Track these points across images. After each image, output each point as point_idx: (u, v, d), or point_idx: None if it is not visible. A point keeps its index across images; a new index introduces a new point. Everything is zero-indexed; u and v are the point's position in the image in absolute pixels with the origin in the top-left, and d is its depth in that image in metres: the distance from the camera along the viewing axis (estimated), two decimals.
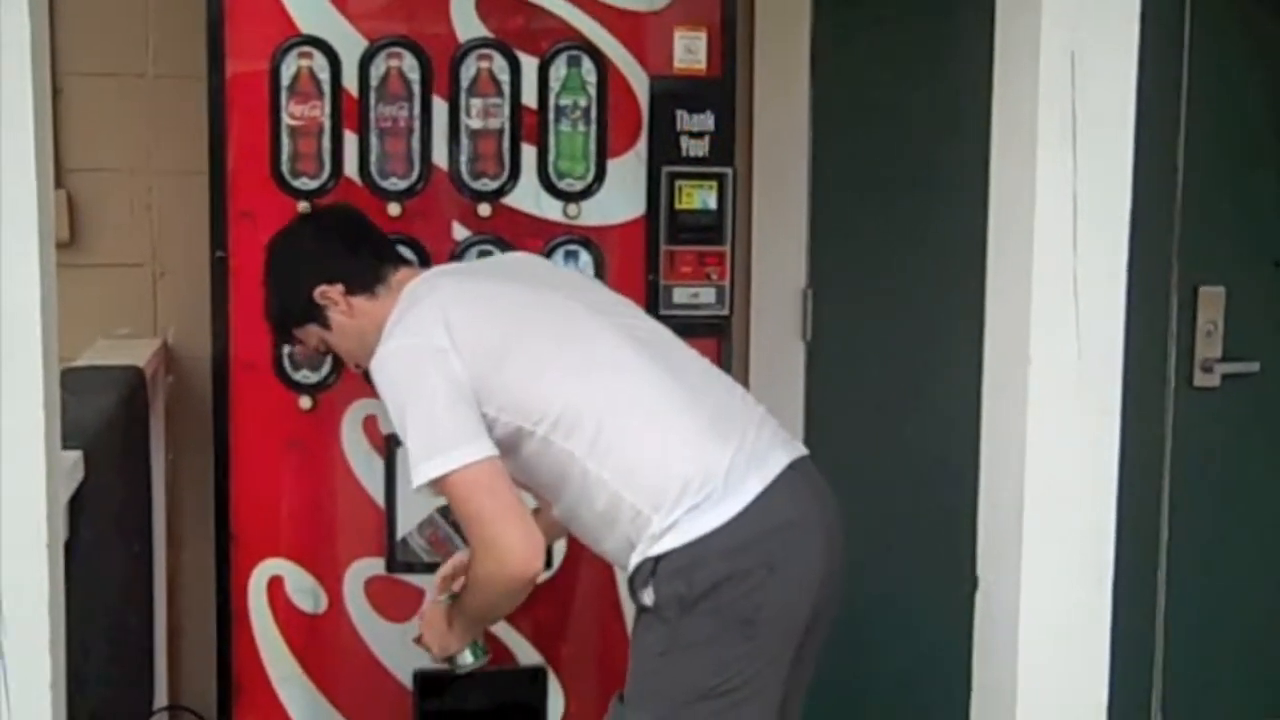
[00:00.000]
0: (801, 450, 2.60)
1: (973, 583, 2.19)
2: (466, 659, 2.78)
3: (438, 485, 2.46)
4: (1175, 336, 3.90)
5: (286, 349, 3.04)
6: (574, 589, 3.20)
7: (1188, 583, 3.95)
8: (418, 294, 2.63)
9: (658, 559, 2.45)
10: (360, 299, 2.71)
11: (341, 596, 3.12)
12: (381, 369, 2.55)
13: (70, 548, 2.02)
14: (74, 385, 2.30)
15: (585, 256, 3.12)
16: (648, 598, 2.47)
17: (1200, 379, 3.92)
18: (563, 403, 2.49)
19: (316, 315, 2.74)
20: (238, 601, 3.09)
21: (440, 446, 2.45)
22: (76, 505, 2.24)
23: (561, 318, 2.61)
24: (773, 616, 2.46)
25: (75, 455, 2.26)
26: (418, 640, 2.81)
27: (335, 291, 2.71)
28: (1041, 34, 1.95)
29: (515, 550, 2.44)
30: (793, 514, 2.50)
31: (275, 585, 3.10)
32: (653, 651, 2.49)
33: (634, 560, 2.48)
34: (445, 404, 2.47)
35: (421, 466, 2.45)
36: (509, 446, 2.50)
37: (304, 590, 3.11)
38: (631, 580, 2.51)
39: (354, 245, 2.79)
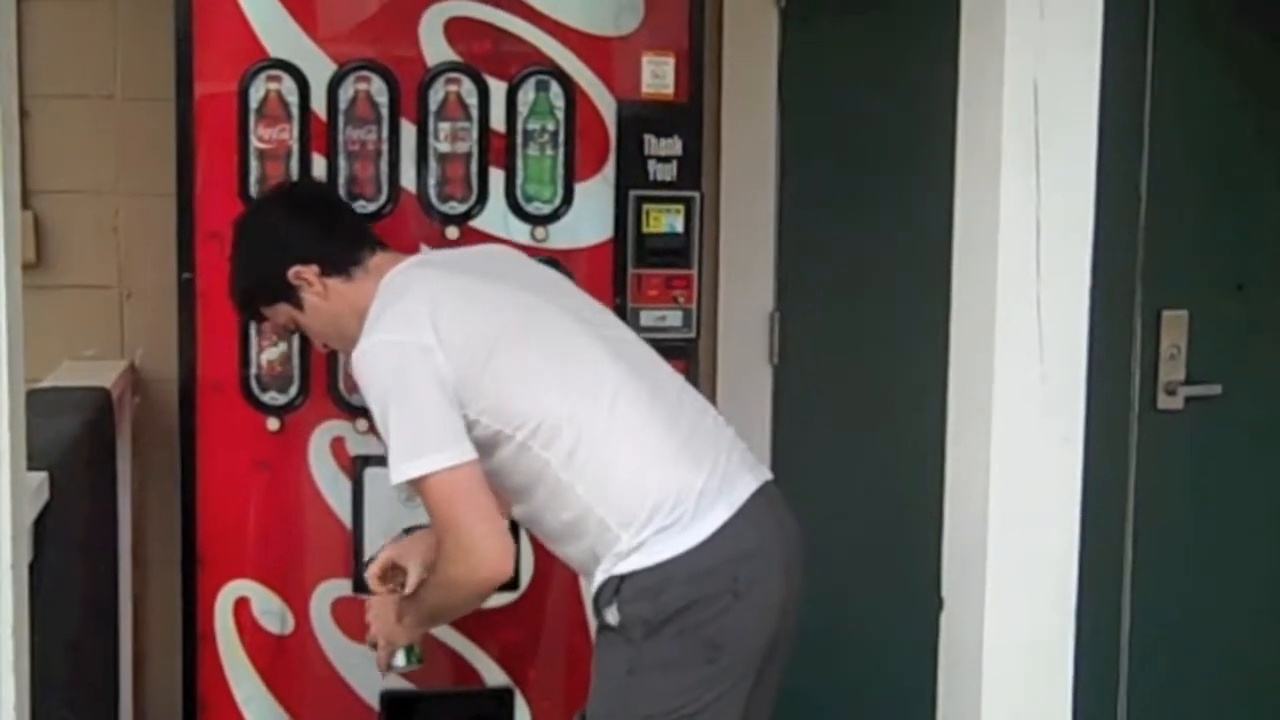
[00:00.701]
0: (767, 475, 2.62)
1: (938, 604, 2.20)
2: (399, 661, 2.77)
3: (416, 485, 2.46)
4: (1139, 359, 3.92)
5: (255, 367, 3.04)
6: (541, 610, 3.20)
7: (1152, 604, 3.97)
8: (402, 285, 2.61)
9: (623, 578, 2.46)
10: (336, 280, 2.69)
11: (308, 617, 3.11)
12: (365, 362, 2.52)
13: (35, 569, 2.00)
14: (40, 407, 2.29)
15: None
16: (612, 616, 2.47)
17: (1164, 402, 3.94)
18: (544, 411, 2.49)
19: (289, 295, 2.71)
20: (204, 622, 3.08)
21: (423, 448, 2.44)
22: (41, 527, 2.23)
23: (548, 324, 2.60)
24: (736, 641, 2.48)
25: (40, 477, 2.25)
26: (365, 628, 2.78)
27: (310, 272, 2.68)
28: (1005, 62, 1.97)
29: (490, 556, 2.45)
30: (757, 542, 2.52)
31: (242, 606, 3.09)
32: (617, 671, 2.50)
33: (598, 577, 2.49)
34: (430, 404, 2.46)
35: (402, 466, 2.44)
36: (485, 448, 2.49)
37: (270, 611, 3.10)
38: (596, 598, 2.51)
39: (330, 225, 2.76)
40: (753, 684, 2.52)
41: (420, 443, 2.44)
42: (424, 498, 2.49)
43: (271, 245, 2.75)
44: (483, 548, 2.44)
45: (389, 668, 2.79)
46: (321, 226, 2.75)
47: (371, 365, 2.51)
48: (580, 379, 2.54)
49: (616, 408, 2.52)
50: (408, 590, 2.71)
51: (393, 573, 2.76)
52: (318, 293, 2.69)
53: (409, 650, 2.77)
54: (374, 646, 2.76)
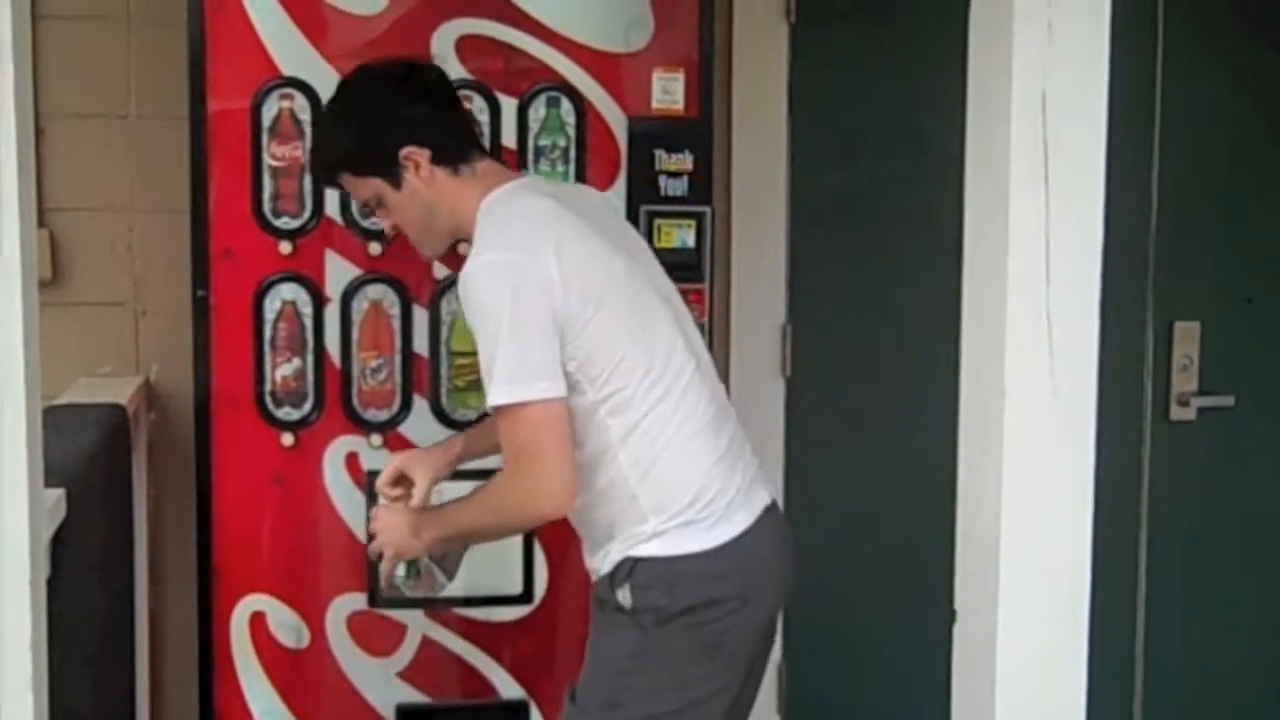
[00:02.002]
0: (771, 492, 2.69)
1: (951, 615, 2.21)
2: (400, 572, 2.72)
3: (504, 411, 2.44)
4: (1151, 371, 3.92)
5: (269, 383, 3.05)
6: (555, 623, 3.20)
7: (1166, 615, 3.97)
8: (521, 207, 2.57)
9: (638, 560, 2.49)
10: (442, 172, 2.61)
11: (324, 631, 3.12)
12: (484, 278, 2.46)
13: (52, 586, 2.02)
14: (56, 423, 2.31)
15: None
16: (624, 598, 2.49)
17: (1176, 413, 3.94)
18: (625, 379, 2.49)
19: (390, 172, 2.61)
20: (220, 637, 3.09)
21: (527, 375, 2.42)
22: (58, 543, 2.24)
23: (642, 297, 2.58)
24: (736, 646, 2.54)
25: (58, 493, 2.26)
26: (370, 538, 2.75)
27: (422, 156, 2.59)
28: (1013, 75, 1.98)
29: (557, 494, 2.45)
30: (767, 555, 2.58)
31: (257, 621, 3.10)
32: (621, 653, 2.52)
33: (614, 553, 2.52)
34: (540, 334, 2.43)
35: (502, 389, 2.42)
36: None
37: (286, 626, 3.11)
38: (610, 576, 2.53)
39: (449, 116, 2.69)
40: (737, 692, 2.58)
41: (528, 369, 2.42)
42: (509, 425, 2.45)
43: (389, 119, 2.63)
44: (557, 482, 2.44)
45: (391, 585, 2.75)
46: (442, 114, 2.67)
47: (490, 282, 2.45)
48: (661, 360, 2.54)
49: (685, 398, 2.54)
50: (414, 503, 2.70)
51: (403, 483, 2.75)
52: (423, 178, 2.60)
53: (410, 564, 2.72)
54: (378, 558, 2.73)
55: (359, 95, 2.70)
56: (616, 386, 2.49)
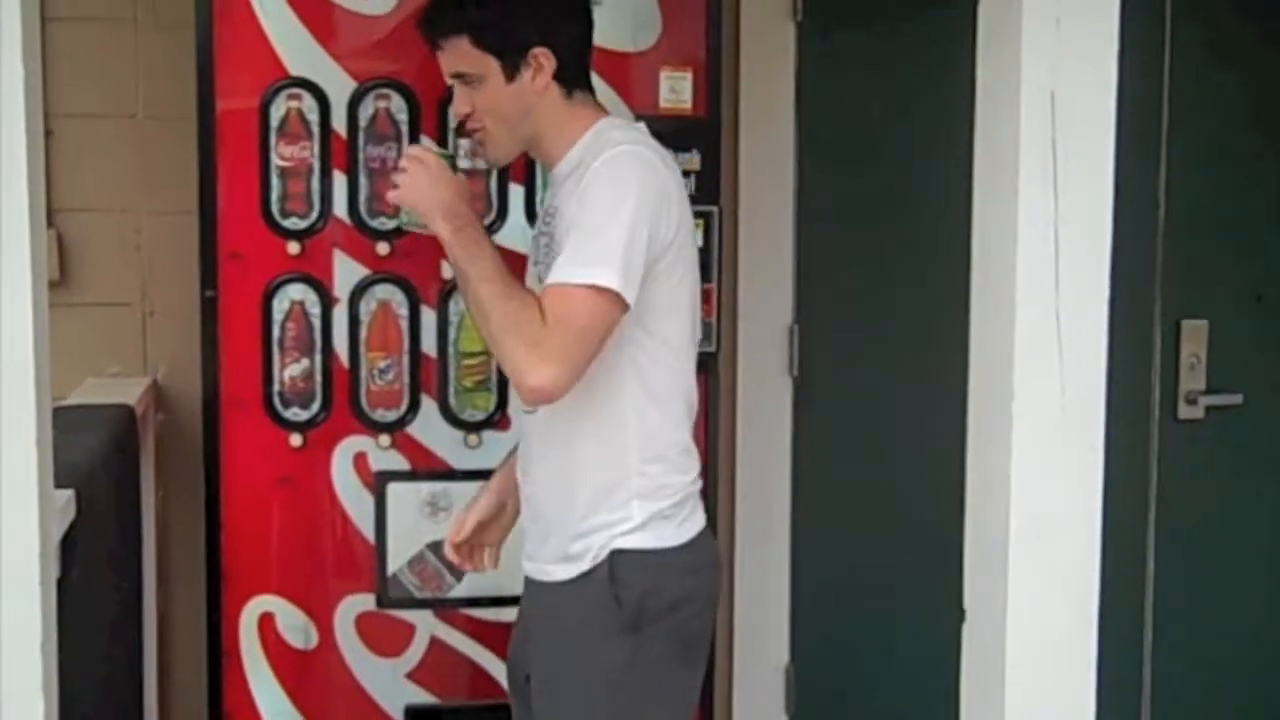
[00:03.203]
0: None
1: (960, 616, 2.21)
2: (403, 218, 2.59)
3: (560, 288, 2.35)
4: (1159, 370, 3.92)
5: (277, 384, 3.06)
6: None
7: (1174, 614, 3.96)
8: (644, 138, 2.53)
9: (622, 551, 2.46)
10: (557, 88, 2.53)
11: (332, 632, 3.13)
12: (627, 161, 2.41)
13: (62, 586, 2.02)
14: (66, 424, 2.31)
15: None
16: (610, 595, 2.45)
17: (1185, 411, 3.94)
18: (664, 340, 2.48)
19: (510, 61, 2.50)
20: (229, 638, 3.10)
21: (614, 265, 2.33)
22: (68, 544, 2.24)
23: (695, 272, 2.55)
24: (701, 646, 2.57)
25: (67, 494, 2.26)
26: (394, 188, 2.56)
27: (550, 64, 2.50)
28: (1021, 74, 1.98)
29: (544, 386, 2.34)
30: (717, 554, 2.67)
31: (266, 622, 3.10)
32: (618, 664, 2.46)
33: (597, 536, 2.47)
34: (642, 246, 2.36)
35: (581, 270, 2.34)
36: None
37: (295, 626, 3.11)
38: (589, 572, 2.48)
39: (588, 45, 2.61)
40: (689, 694, 2.59)
41: (615, 260, 2.33)
42: (562, 299, 2.35)
43: (540, 15, 2.53)
44: (564, 376, 2.34)
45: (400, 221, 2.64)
46: (585, 39, 2.59)
47: (633, 167, 2.41)
48: (690, 339, 2.55)
49: (687, 381, 2.55)
50: (471, 517, 2.70)
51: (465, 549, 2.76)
52: (538, 84, 2.51)
53: (410, 215, 2.57)
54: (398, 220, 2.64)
55: None
56: (661, 342, 2.47)
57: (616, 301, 2.34)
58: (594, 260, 2.34)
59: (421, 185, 2.50)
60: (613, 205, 2.36)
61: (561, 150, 2.54)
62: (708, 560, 2.59)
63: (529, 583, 2.62)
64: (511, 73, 2.50)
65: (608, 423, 2.48)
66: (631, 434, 2.48)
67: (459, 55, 2.53)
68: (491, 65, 2.50)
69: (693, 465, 2.57)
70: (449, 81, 2.59)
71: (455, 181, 2.53)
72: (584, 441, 2.49)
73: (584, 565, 2.48)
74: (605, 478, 2.48)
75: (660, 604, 2.46)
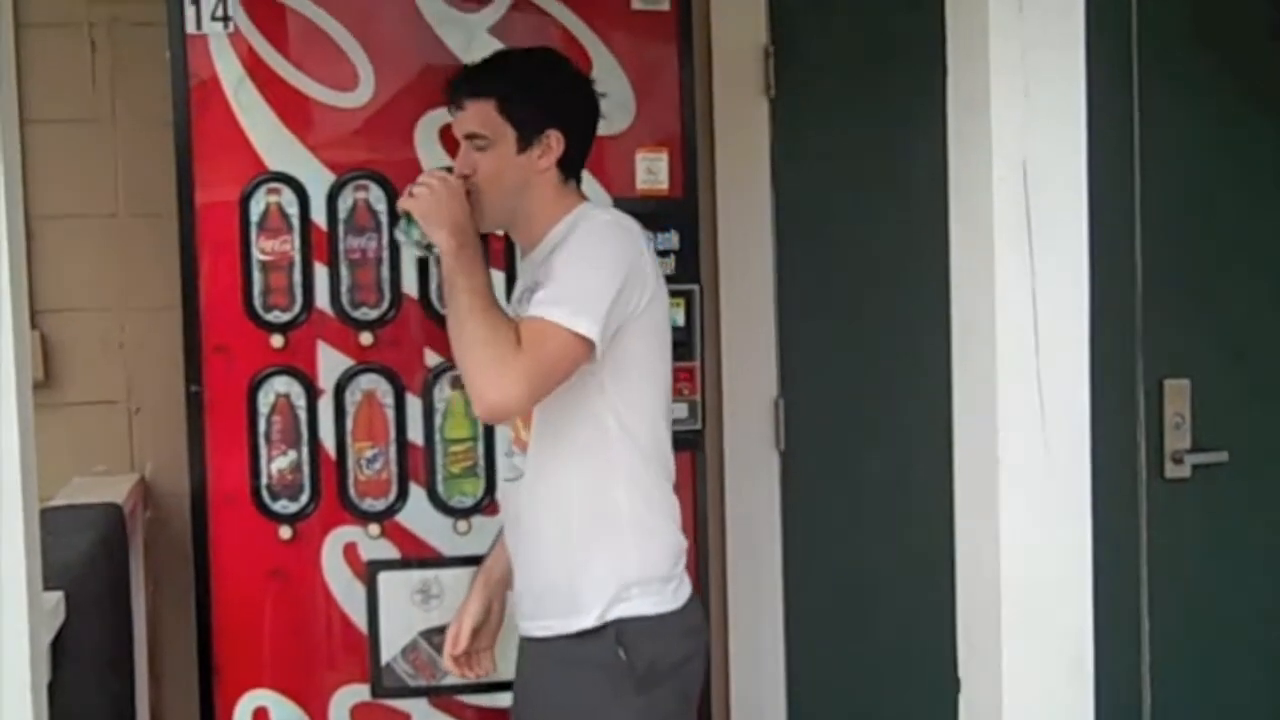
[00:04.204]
0: None
1: (955, 685, 2.20)
2: (414, 234, 2.64)
3: (538, 323, 2.49)
4: (1144, 430, 3.93)
5: (265, 477, 3.05)
6: None
7: (1170, 674, 3.95)
8: (628, 220, 2.67)
9: (628, 619, 2.57)
10: (555, 173, 2.68)
11: None
12: (608, 228, 2.60)
13: (53, 689, 2.01)
14: (54, 525, 2.31)
15: None
16: (620, 656, 2.55)
17: (1171, 470, 3.94)
18: (639, 407, 2.66)
19: (526, 135, 2.65)
20: None
21: (595, 316, 2.48)
22: (58, 646, 2.24)
23: (667, 350, 2.73)
24: (694, 699, 2.69)
25: (56, 596, 2.26)
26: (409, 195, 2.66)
27: (559, 149, 2.66)
28: (992, 144, 2.00)
29: (501, 403, 2.50)
30: (704, 614, 2.82)
31: (260, 716, 3.08)
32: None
33: (597, 606, 2.57)
34: (616, 304, 2.52)
35: (557, 309, 2.48)
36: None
37: None
38: (597, 629, 2.57)
39: (590, 144, 2.77)
40: None
41: (592, 309, 2.48)
42: (537, 334, 2.49)
43: (570, 103, 2.72)
44: (516, 399, 2.49)
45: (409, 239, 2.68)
46: (590, 138, 2.77)
47: (614, 234, 2.60)
48: (665, 411, 2.73)
49: (664, 460, 2.70)
50: (469, 616, 2.84)
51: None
52: (541, 163, 2.66)
53: (413, 230, 2.64)
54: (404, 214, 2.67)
55: (568, 68, 2.77)
56: (632, 402, 2.62)
57: (588, 349, 2.50)
58: (578, 304, 2.49)
59: (439, 198, 2.60)
60: (597, 255, 2.57)
61: (542, 230, 2.67)
62: (696, 624, 2.72)
63: (529, 644, 2.68)
64: (524, 146, 2.65)
65: (601, 523, 2.63)
66: (628, 531, 2.62)
67: (481, 118, 2.66)
68: (508, 134, 2.64)
69: (681, 533, 2.71)
70: (459, 138, 2.71)
71: (468, 206, 2.63)
72: (583, 545, 2.63)
73: (588, 621, 2.57)
74: (612, 575, 2.59)
75: (667, 665, 2.57)
